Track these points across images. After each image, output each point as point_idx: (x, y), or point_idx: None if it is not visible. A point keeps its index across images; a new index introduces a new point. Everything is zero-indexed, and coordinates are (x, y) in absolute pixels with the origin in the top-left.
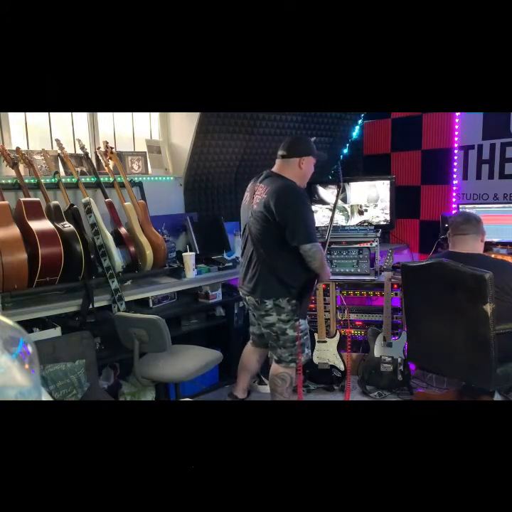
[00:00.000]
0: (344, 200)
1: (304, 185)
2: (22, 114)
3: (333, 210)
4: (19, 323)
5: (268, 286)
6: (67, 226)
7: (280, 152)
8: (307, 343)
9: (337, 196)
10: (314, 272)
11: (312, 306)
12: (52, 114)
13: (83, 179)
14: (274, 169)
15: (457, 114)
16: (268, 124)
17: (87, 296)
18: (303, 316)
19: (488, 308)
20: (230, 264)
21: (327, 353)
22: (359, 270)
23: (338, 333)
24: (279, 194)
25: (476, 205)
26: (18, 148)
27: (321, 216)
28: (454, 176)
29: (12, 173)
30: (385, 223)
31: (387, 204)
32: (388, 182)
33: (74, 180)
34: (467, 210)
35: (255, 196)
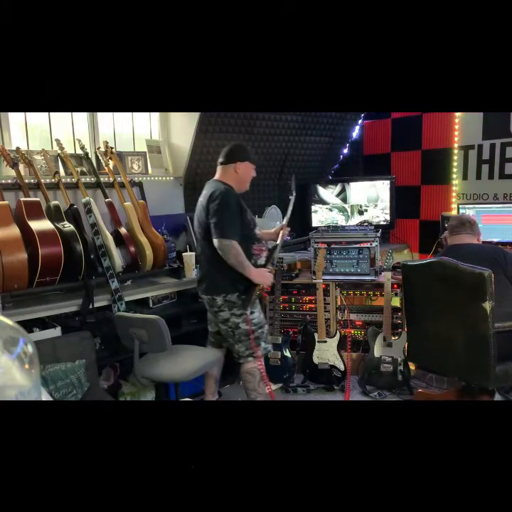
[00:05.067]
0: (344, 200)
1: (243, 188)
2: (22, 114)
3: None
4: (19, 323)
5: (216, 283)
6: (67, 226)
7: (219, 159)
8: (263, 337)
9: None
10: (261, 266)
11: (312, 306)
12: (52, 114)
13: (83, 179)
14: (215, 176)
15: (457, 114)
16: (268, 124)
17: (87, 296)
18: (245, 308)
19: (487, 306)
20: None
21: (327, 353)
22: (359, 270)
23: (338, 333)
24: (210, 195)
25: (476, 205)
26: (18, 148)
27: (320, 216)
28: (454, 175)
29: (12, 173)
30: (385, 223)
31: (387, 204)
32: (388, 182)
33: (74, 180)
34: (461, 214)
35: (199, 201)
